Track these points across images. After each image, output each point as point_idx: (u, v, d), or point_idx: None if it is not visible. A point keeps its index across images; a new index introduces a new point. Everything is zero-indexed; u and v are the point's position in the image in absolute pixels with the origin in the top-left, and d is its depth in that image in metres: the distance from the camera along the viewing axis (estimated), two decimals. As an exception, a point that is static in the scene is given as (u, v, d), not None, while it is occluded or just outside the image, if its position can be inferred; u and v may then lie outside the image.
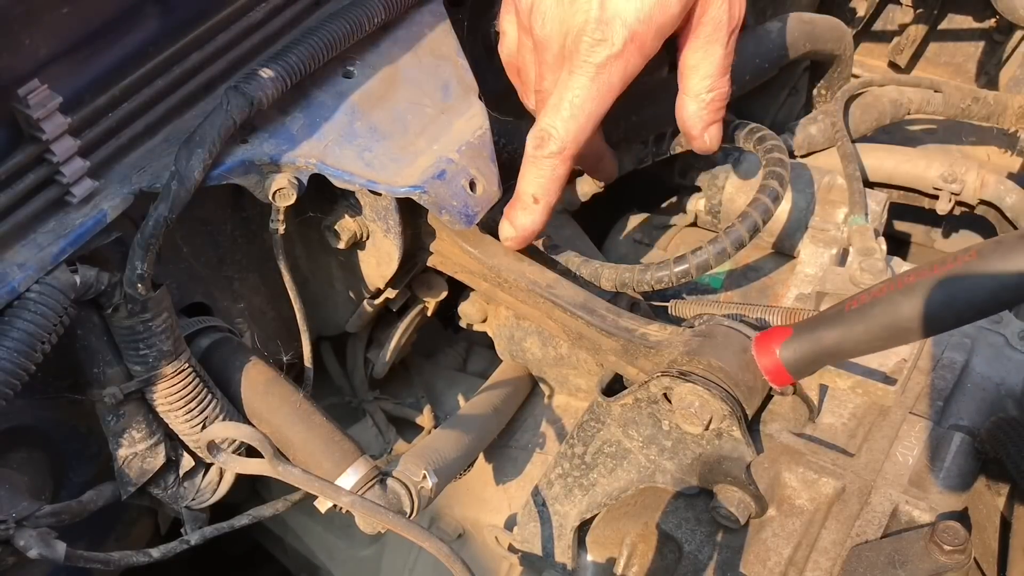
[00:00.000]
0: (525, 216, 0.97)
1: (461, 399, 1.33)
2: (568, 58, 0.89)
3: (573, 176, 1.26)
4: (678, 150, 1.16)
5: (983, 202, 1.31)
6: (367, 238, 1.04)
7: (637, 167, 1.22)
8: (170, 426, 0.90)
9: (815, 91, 1.54)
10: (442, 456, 1.00)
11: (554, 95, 0.91)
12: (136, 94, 0.83)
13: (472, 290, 1.17)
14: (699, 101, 0.95)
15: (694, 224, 1.36)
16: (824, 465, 0.87)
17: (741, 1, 0.92)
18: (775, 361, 0.82)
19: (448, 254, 1.08)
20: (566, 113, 0.89)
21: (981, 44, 1.73)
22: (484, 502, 1.21)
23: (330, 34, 0.91)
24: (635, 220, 1.40)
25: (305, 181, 0.89)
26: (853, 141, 1.28)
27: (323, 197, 0.99)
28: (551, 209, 0.98)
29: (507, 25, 1.01)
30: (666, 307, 1.05)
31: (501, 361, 1.24)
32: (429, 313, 1.23)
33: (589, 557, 0.99)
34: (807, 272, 1.16)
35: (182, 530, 0.96)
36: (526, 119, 1.21)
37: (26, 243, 0.77)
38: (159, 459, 0.90)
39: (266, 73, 0.85)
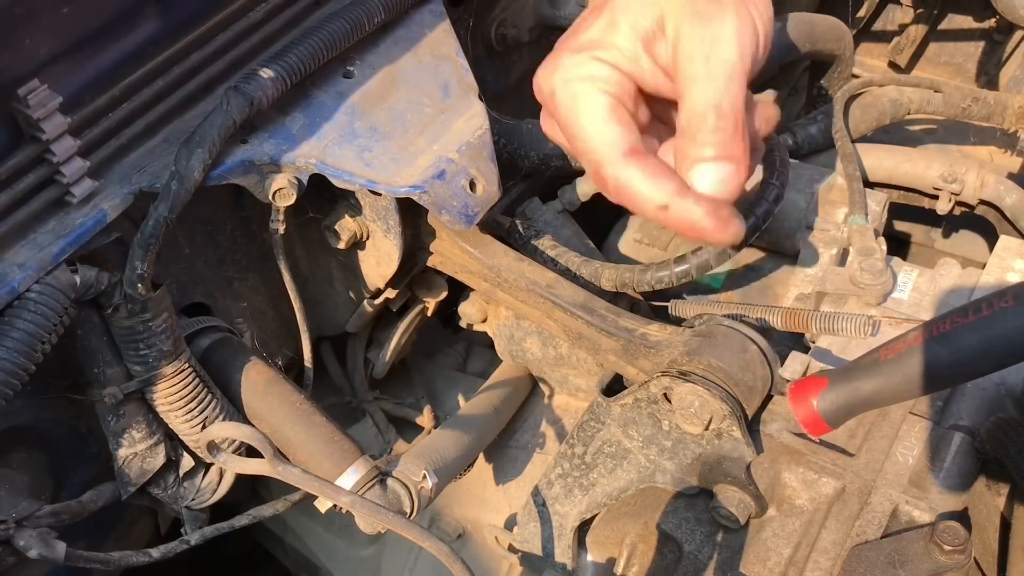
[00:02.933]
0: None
1: (461, 399, 1.33)
2: None
3: (573, 176, 1.26)
4: None
5: (983, 202, 1.30)
6: (367, 238, 1.04)
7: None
8: (170, 426, 0.90)
9: (815, 91, 1.54)
10: (442, 456, 1.00)
11: None
12: (136, 94, 0.83)
13: (472, 290, 1.16)
14: None
15: (694, 224, 1.36)
16: (824, 465, 0.87)
17: None
18: (812, 413, 0.82)
19: (448, 254, 1.08)
20: None
21: (981, 44, 1.73)
22: (484, 502, 1.21)
23: (330, 34, 0.91)
24: (635, 220, 1.40)
25: (305, 181, 0.89)
26: (853, 141, 1.28)
27: (323, 197, 0.99)
28: None
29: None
30: (666, 307, 1.05)
31: (501, 361, 1.24)
32: (429, 313, 1.23)
33: (589, 557, 0.99)
34: (807, 272, 1.16)
35: (182, 530, 0.96)
36: (526, 119, 1.22)
37: (26, 243, 0.77)
38: (159, 459, 0.90)
39: (266, 73, 0.85)
